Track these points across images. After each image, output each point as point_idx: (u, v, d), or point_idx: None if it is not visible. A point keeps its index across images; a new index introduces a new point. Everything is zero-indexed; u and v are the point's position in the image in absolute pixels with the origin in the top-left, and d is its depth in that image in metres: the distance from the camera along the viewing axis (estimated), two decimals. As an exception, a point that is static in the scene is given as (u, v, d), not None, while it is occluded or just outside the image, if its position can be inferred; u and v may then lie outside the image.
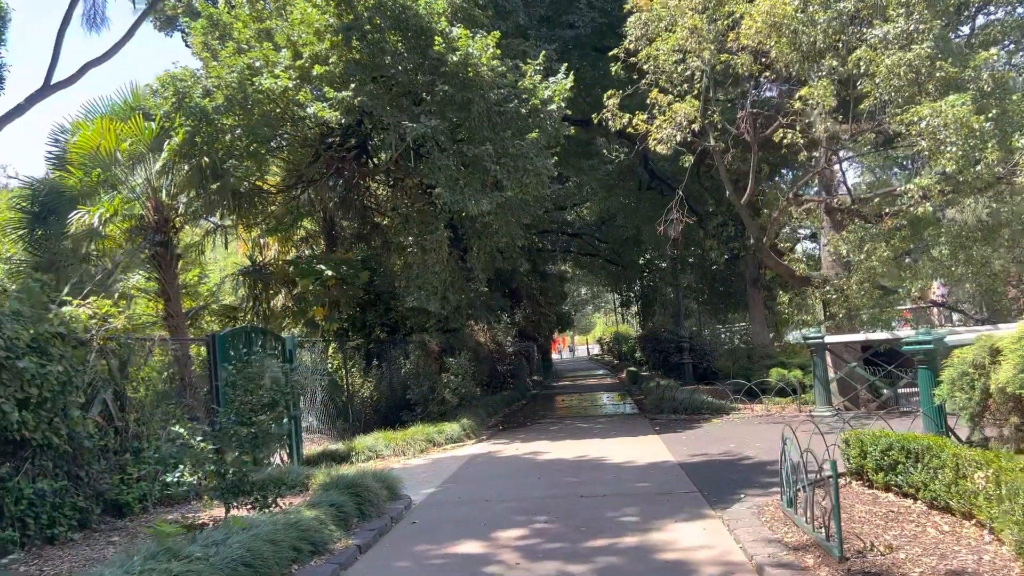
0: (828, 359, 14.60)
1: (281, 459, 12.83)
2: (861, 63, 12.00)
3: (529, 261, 37.72)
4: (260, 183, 18.06)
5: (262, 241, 21.91)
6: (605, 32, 23.05)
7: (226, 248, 18.41)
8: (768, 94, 17.67)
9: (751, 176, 14.86)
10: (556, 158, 16.48)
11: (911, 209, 12.29)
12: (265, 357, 9.03)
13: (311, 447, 14.07)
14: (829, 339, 14.24)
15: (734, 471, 9.75)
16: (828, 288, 14.96)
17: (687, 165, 14.33)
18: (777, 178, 21.73)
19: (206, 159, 14.97)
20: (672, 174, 27.96)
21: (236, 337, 11.72)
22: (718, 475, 9.53)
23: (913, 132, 11.43)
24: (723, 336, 31.24)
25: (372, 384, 18.86)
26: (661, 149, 13.68)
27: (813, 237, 19.48)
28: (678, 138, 13.24)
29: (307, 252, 20.92)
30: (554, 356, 60.31)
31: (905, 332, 13.57)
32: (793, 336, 28.29)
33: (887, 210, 14.55)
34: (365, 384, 18.84)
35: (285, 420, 13.12)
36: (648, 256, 39.96)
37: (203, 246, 17.90)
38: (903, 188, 12.94)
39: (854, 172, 21.46)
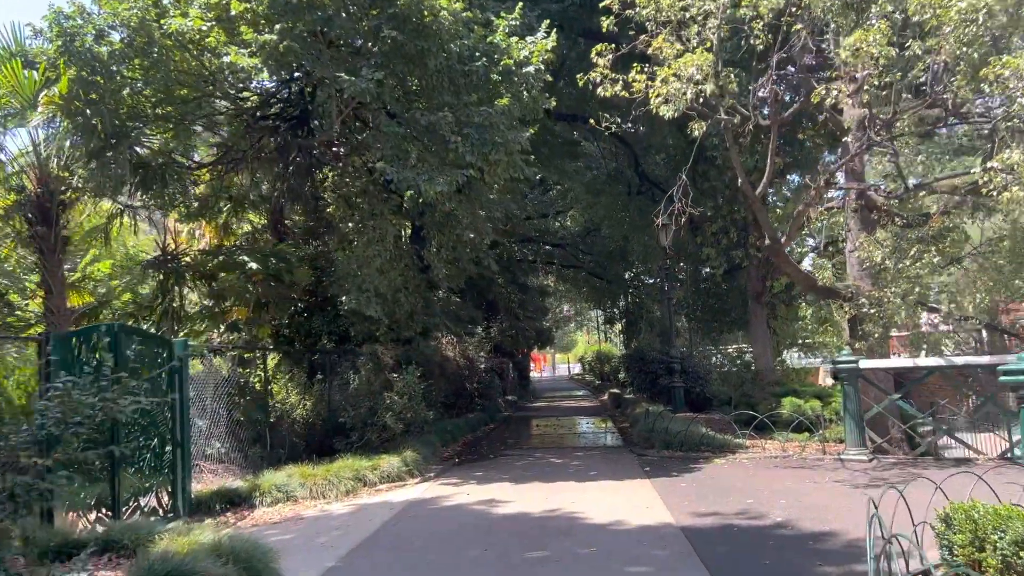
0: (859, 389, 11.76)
1: (159, 501, 9.80)
2: (925, 7, 9.23)
3: (507, 271, 34.93)
4: (182, 158, 15.10)
5: (177, 227, 18.89)
6: (595, 8, 20.44)
7: (135, 235, 15.39)
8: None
9: (769, 160, 12.07)
10: (533, 158, 13.67)
11: (992, 194, 9.45)
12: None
13: (210, 484, 11.04)
14: (865, 364, 11.42)
15: (765, 548, 6.82)
16: (862, 301, 12.19)
17: (696, 134, 11.53)
18: (791, 176, 19.04)
19: (99, 120, 12.00)
20: (665, 178, 25.27)
21: (85, 338, 8.70)
22: (744, 556, 6.61)
23: (997, 92, 8.68)
24: (715, 358, 28.46)
25: (311, 403, 15.85)
26: (665, 111, 10.85)
27: (828, 247, 16.79)
28: (688, 95, 10.42)
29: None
30: (533, 374, 57.30)
31: (967, 358, 10.81)
32: (795, 359, 25.52)
33: (936, 207, 11.84)
34: (302, 403, 15.82)
35: (167, 449, 10.17)
36: (635, 271, 37.32)
37: (110, 230, 14.84)
38: (977, 171, 10.17)
39: (883, 167, 18.78)
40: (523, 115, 12.48)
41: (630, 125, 22.01)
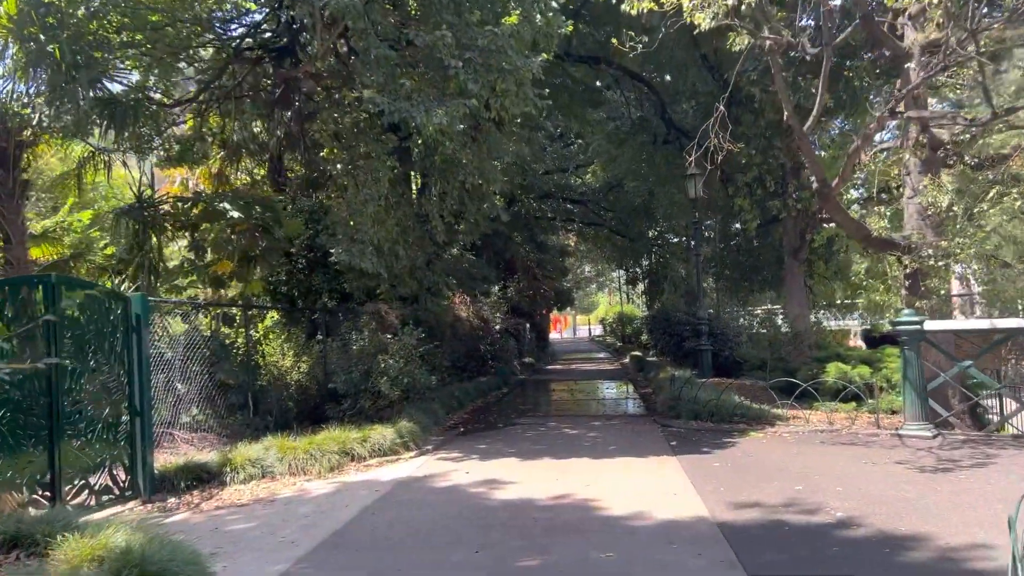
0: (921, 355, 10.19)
1: (113, 479, 8.55)
2: None
3: (525, 229, 33.52)
4: (163, 96, 13.66)
5: (173, 176, 17.58)
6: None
7: (108, 181, 14.02)
8: None
9: (820, 89, 10.36)
10: (548, 100, 11.99)
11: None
12: None
13: (186, 455, 9.79)
14: (931, 326, 9.83)
15: (831, 558, 5.35)
16: (927, 253, 10.57)
17: (738, 48, 9.89)
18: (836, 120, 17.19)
19: (56, 48, 10.58)
20: (693, 127, 23.45)
21: (11, 291, 7.36)
22: (801, 564, 5.17)
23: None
24: (743, 320, 26.86)
25: (307, 366, 14.58)
26: (701, 19, 9.20)
27: (879, 194, 15.01)
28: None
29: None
30: (553, 336, 56.00)
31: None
32: (828, 320, 23.80)
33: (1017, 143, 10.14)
34: (298, 366, 14.55)
35: (123, 419, 8.90)
36: (659, 228, 35.60)
37: (83, 176, 13.50)
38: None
39: (947, 103, 16.84)
40: (535, 39, 10.85)
41: (655, 50, 20.05)
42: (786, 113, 10.74)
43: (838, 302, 20.92)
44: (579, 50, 20.86)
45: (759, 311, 31.20)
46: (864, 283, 20.17)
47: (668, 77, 21.72)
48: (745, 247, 22.63)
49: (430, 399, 12.96)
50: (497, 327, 24.42)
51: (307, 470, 9.32)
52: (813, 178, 11.08)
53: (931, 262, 10.32)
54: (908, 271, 10.64)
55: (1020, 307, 10.68)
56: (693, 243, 32.63)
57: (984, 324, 9.67)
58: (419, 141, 12.99)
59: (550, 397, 18.54)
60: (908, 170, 12.06)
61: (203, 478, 9.04)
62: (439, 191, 13.39)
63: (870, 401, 12.27)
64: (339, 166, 11.33)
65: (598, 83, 23.65)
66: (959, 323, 9.90)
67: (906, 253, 10.92)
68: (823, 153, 16.11)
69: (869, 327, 22.98)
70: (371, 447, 10.00)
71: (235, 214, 12.12)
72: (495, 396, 18.12)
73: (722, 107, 10.52)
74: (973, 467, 8.01)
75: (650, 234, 36.34)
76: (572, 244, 45.90)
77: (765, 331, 26.80)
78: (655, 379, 18.03)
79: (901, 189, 12.63)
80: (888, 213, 12.11)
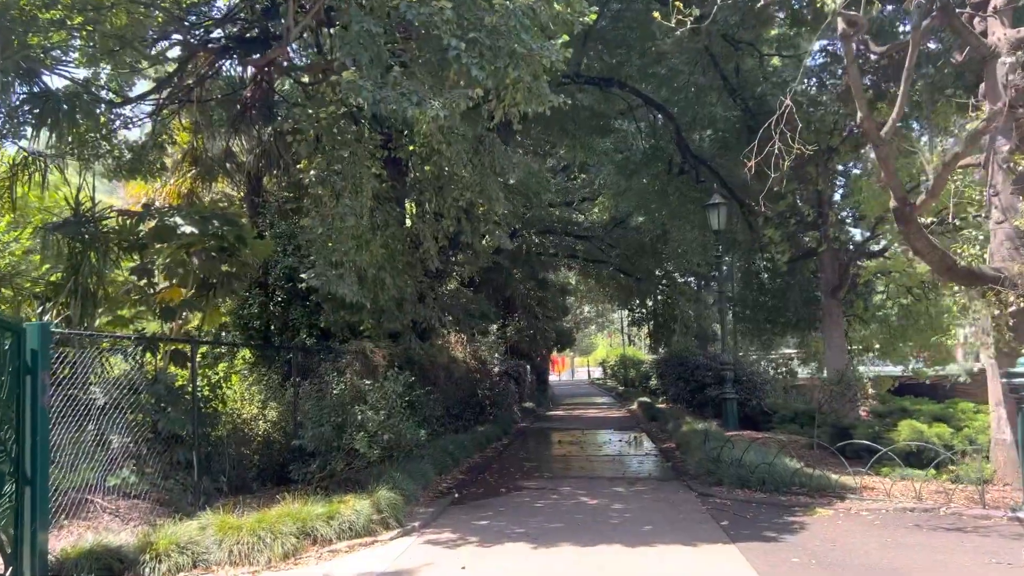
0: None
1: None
2: None
3: (526, 265, 31.61)
4: (114, 95, 11.69)
5: (140, 194, 15.68)
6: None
7: (42, 191, 11.93)
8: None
9: (904, 81, 8.40)
10: (566, 100, 10.00)
11: None
12: None
13: (102, 529, 7.58)
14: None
15: None
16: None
17: (830, 7, 7.91)
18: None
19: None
20: (712, 154, 21.62)
21: None
22: None
23: None
24: (765, 366, 24.75)
25: (277, 414, 12.41)
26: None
27: (942, 222, 12.99)
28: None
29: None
30: (551, 378, 53.69)
31: None
32: (866, 367, 21.64)
33: None
34: (264, 415, 12.38)
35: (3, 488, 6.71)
36: (667, 267, 33.57)
37: (14, 185, 11.42)
38: None
39: None
40: (552, 20, 8.90)
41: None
42: (859, 115, 8.74)
43: (876, 347, 18.83)
44: (589, 71, 19.11)
45: (775, 356, 29.21)
46: (908, 325, 18.13)
47: (686, 96, 19.93)
48: (771, 286, 20.56)
49: (418, 457, 10.74)
50: (496, 369, 22.28)
51: (253, 558, 7.09)
52: (891, 196, 9.04)
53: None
54: (1013, 308, 8.57)
55: None
56: (716, 280, 30.64)
57: None
58: (411, 147, 11.01)
59: (558, 451, 16.28)
60: (996, 190, 10.06)
61: (114, 569, 6.83)
62: (433, 209, 11.35)
63: (951, 468, 10.12)
64: (313, 172, 9.26)
65: (608, 110, 21.82)
66: None
67: (1007, 287, 8.86)
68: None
69: (911, 375, 20.90)
70: (339, 526, 7.77)
71: (188, 229, 10.02)
72: (495, 449, 15.86)
73: (788, 101, 8.47)
74: None
75: (656, 272, 34.40)
76: (573, 283, 43.99)
77: (784, 376, 24.73)
78: (677, 432, 15.83)
79: (980, 215, 10.64)
80: (980, 237, 10.08)
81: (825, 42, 16.82)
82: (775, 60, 20.15)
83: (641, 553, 7.20)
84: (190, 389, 10.17)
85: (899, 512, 8.42)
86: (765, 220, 17.76)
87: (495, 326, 27.71)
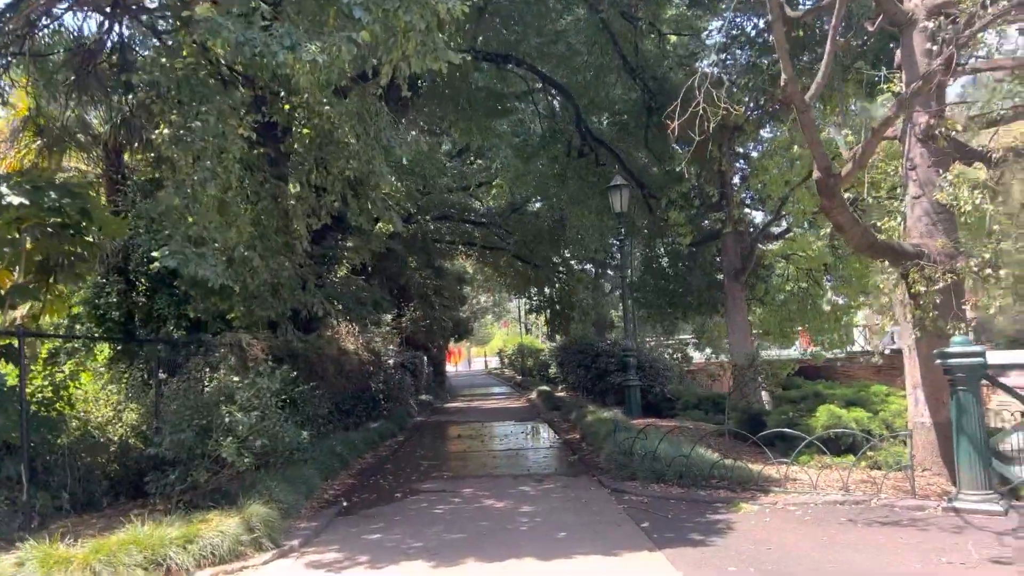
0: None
1: None
2: None
3: (422, 253, 30.42)
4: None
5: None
6: None
7: None
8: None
9: (829, 44, 7.81)
10: (465, 54, 8.88)
11: None
12: None
13: None
14: (998, 359, 7.32)
15: None
16: (959, 265, 8.13)
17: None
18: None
19: None
20: (614, 136, 21.03)
21: None
22: None
23: None
24: (656, 351, 24.45)
25: (136, 417, 10.83)
26: None
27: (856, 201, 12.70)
28: None
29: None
30: (449, 369, 52.55)
31: None
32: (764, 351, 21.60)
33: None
34: (121, 418, 10.77)
35: None
36: (567, 254, 33.04)
37: None
38: None
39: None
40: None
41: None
42: (784, 77, 8.07)
43: (775, 331, 18.71)
44: (486, 47, 18.07)
45: (671, 341, 29.15)
46: (806, 309, 18.08)
47: (585, 77, 19.23)
48: (672, 270, 20.16)
49: (300, 461, 9.45)
50: (391, 361, 21.00)
51: (86, 599, 5.73)
52: (815, 167, 8.45)
53: (975, 271, 7.87)
54: (941, 285, 8.14)
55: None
56: (615, 267, 30.31)
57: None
58: (285, 106, 9.68)
59: (458, 447, 15.24)
60: (913, 163, 9.67)
61: None
62: (314, 182, 10.01)
63: (869, 454, 9.71)
64: (167, 132, 7.81)
65: (505, 90, 20.86)
66: None
67: (927, 263, 8.44)
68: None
69: (809, 358, 20.99)
70: (200, 551, 6.47)
71: (16, 201, 8.34)
72: (389, 447, 14.66)
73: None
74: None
75: (555, 260, 33.82)
76: (471, 271, 43.01)
77: (679, 362, 24.50)
78: (581, 422, 15.09)
79: (898, 189, 10.29)
80: (904, 210, 9.66)
81: (727, 17, 16.40)
82: (673, 38, 19.76)
83: (558, 568, 6.26)
84: (35, 389, 8.54)
85: (828, 506, 7.84)
86: (668, 203, 17.26)
87: (389, 316, 26.42)
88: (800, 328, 19.51)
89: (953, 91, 13.64)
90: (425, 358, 29.97)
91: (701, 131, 9.04)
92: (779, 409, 11.42)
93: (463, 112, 19.58)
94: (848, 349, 19.75)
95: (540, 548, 6.83)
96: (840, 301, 19.13)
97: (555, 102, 21.88)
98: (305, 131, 9.34)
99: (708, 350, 26.28)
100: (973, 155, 9.15)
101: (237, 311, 10.70)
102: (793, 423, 10.67)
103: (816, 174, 8.62)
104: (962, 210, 8.58)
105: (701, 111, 9.18)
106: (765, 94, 14.84)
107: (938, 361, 7.47)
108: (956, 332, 8.39)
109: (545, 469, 11.70)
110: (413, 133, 21.66)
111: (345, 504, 9.29)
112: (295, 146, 10.05)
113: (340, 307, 17.11)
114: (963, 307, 8.32)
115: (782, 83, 8.21)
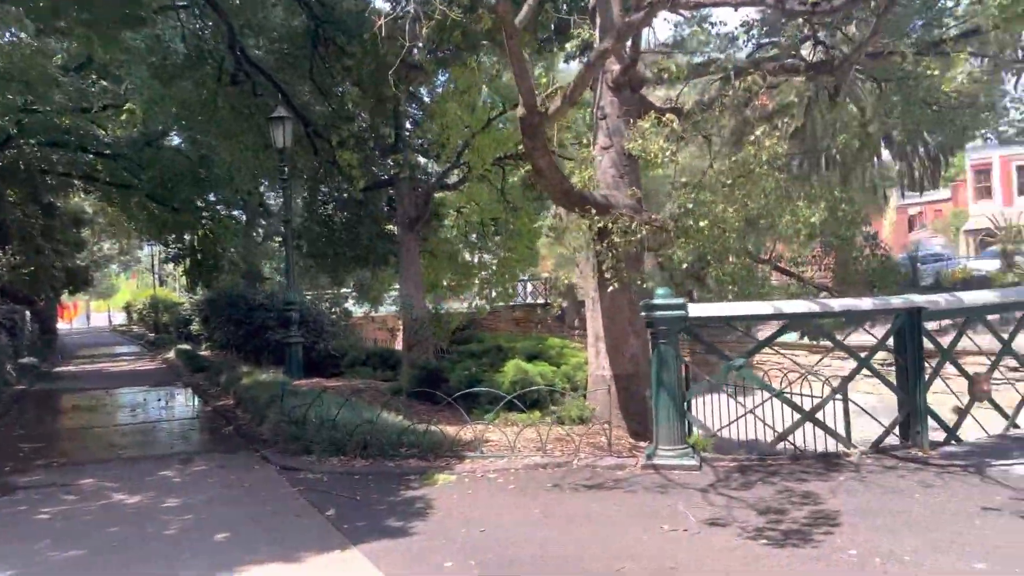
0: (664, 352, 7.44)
1: None
2: None
3: (27, 184, 25.10)
4: None
5: None
6: None
7: None
8: None
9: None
10: None
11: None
12: None
13: None
14: (698, 312, 7.20)
15: None
16: (656, 217, 8.00)
17: None
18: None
19: None
20: (274, 66, 18.74)
21: None
22: None
23: None
24: (318, 304, 23.00)
25: None
26: None
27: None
28: None
29: None
30: (62, 326, 44.92)
31: (847, 301, 7.23)
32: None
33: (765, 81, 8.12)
34: None
35: None
36: (215, 196, 29.58)
37: None
38: None
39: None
40: None
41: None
42: (496, -4, 7.13)
43: (446, 284, 18.31)
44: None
45: (329, 293, 27.83)
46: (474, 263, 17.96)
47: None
48: (339, 218, 18.66)
49: None
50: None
51: None
52: (520, 104, 7.68)
53: (673, 224, 7.77)
54: (639, 236, 7.93)
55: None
56: (273, 213, 27.82)
57: (765, 308, 7.39)
58: None
59: (75, 422, 12.29)
60: (604, 112, 9.47)
61: None
62: None
63: (553, 408, 9.48)
64: None
65: (140, -2, 17.36)
66: (733, 307, 7.49)
67: (627, 215, 8.22)
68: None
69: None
70: None
71: None
72: (-28, 428, 11.28)
73: None
74: (812, 524, 5.39)
75: (199, 203, 30.12)
76: (91, 211, 36.88)
77: (338, 315, 23.30)
78: (235, 385, 13.11)
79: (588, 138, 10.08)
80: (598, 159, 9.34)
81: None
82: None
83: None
84: None
85: (530, 470, 7.23)
86: (339, 143, 15.72)
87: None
88: (450, 281, 19.38)
89: (664, 33, 13.98)
90: (28, 313, 24.89)
91: (377, 67, 7.84)
92: (461, 365, 10.77)
93: (82, 16, 15.86)
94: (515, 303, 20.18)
95: (196, 562, 5.15)
96: (487, 258, 19.39)
97: (204, 20, 18.94)
98: None
99: (367, 305, 25.43)
100: (662, 109, 9.17)
101: None
102: (477, 379, 10.11)
103: (521, 111, 7.87)
104: (652, 161, 8.50)
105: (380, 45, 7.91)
106: (454, 29, 13.97)
107: (643, 313, 7.21)
108: (644, 284, 8.34)
109: (193, 446, 9.71)
110: (12, 30, 17.21)
111: None
112: None
113: None
114: (643, 259, 8.29)
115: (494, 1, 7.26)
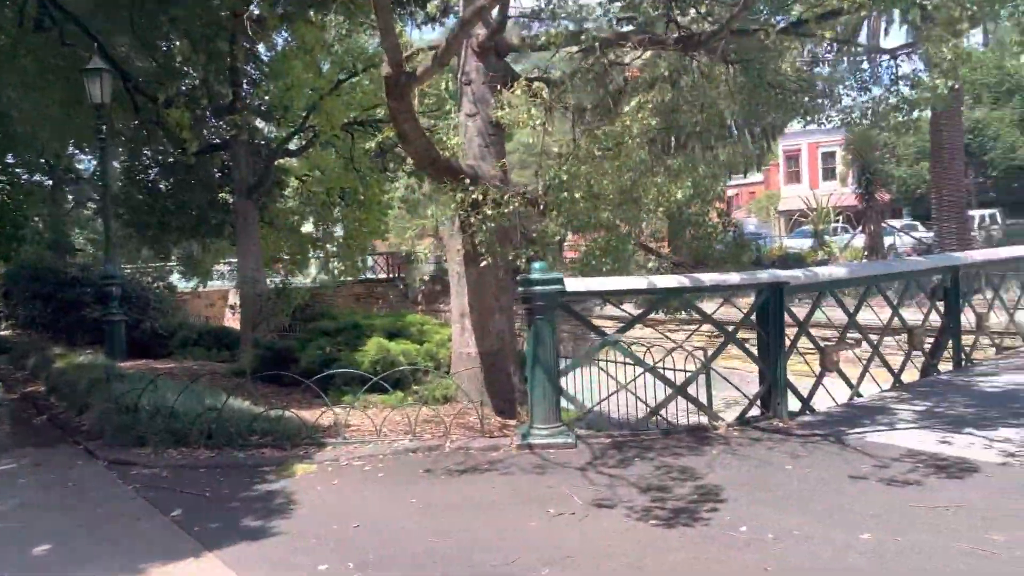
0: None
1: None
2: None
3: None
4: None
5: None
6: None
7: None
8: None
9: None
10: None
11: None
12: None
13: None
14: (576, 286, 6.98)
15: None
16: (539, 187, 7.72)
17: None
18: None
19: None
20: (90, 10, 16.69)
21: None
22: None
23: None
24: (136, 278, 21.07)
25: None
26: None
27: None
28: None
29: None
30: None
31: (715, 276, 7.26)
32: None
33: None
34: None
35: None
36: (13, 157, 26.30)
37: None
38: None
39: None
40: None
41: None
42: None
43: (287, 257, 17.19)
44: None
45: (149, 267, 25.71)
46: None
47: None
48: (165, 184, 17.02)
49: None
50: None
51: None
52: (384, 64, 7.09)
53: (543, 196, 7.51)
54: (510, 209, 7.60)
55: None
56: (85, 177, 25.34)
57: (639, 282, 7.27)
58: None
59: None
60: (469, 78, 9.05)
61: None
62: None
63: (415, 388, 9.06)
64: None
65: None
66: (609, 281, 7.31)
67: (494, 186, 7.87)
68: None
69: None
70: None
71: None
72: None
73: None
74: (697, 500, 5.37)
75: (-4, 162, 26.70)
76: None
77: (162, 291, 21.53)
78: (49, 370, 11.62)
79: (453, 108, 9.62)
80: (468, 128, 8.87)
81: None
82: None
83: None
84: None
85: (399, 456, 6.77)
86: (167, 101, 14.24)
87: None
88: (291, 253, 18.43)
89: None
90: None
91: (210, 18, 6.99)
92: (313, 343, 10.04)
93: None
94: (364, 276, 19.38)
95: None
96: (335, 230, 18.58)
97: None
98: None
99: (196, 279, 23.72)
100: (531, 78, 8.87)
101: None
102: (332, 359, 9.47)
103: (386, 69, 7.28)
104: (521, 130, 8.22)
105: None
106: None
107: (520, 288, 6.92)
108: (517, 259, 8.08)
109: (1, 441, 8.42)
110: None
111: None
112: None
113: None
114: (515, 233, 8.03)
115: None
